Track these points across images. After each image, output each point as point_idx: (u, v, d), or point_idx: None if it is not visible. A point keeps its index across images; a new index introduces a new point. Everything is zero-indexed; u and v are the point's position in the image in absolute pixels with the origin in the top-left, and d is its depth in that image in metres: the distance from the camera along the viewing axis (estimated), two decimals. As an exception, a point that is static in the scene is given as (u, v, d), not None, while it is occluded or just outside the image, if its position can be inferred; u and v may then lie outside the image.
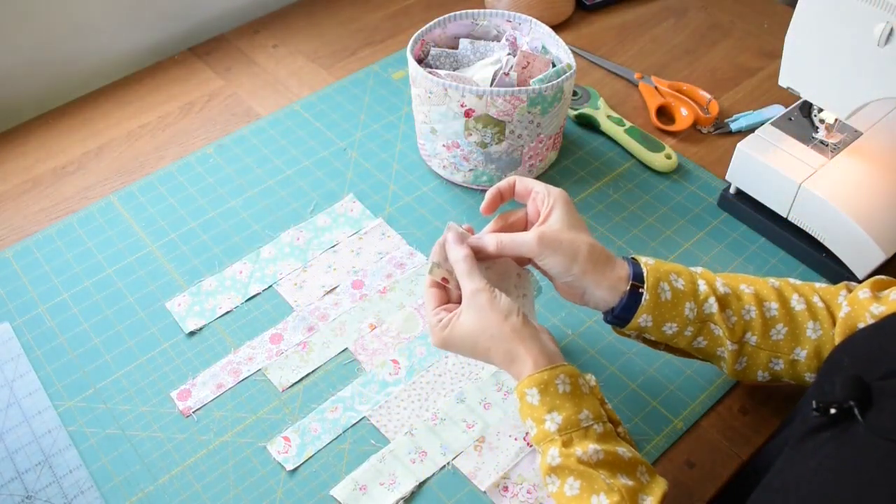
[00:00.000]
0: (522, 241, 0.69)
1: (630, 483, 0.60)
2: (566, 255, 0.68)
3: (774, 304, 0.70)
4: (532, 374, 0.64)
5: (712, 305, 0.69)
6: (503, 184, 0.74)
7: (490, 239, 0.70)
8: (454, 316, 0.68)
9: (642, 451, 0.75)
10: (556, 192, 0.72)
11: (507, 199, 0.74)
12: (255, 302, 0.87)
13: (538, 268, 0.73)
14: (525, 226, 0.74)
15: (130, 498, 0.73)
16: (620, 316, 0.70)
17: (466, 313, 0.67)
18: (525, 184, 0.73)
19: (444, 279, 0.71)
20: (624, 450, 0.62)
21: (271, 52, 1.19)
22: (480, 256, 0.71)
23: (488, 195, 0.73)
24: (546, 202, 0.71)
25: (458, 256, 0.69)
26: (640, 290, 0.68)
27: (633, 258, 0.71)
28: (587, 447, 0.61)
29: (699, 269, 0.73)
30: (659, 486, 0.61)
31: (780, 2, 1.28)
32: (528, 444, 0.75)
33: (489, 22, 0.99)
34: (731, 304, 0.70)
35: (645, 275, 0.69)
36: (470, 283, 0.67)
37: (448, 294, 0.72)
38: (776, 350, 0.70)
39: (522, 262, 0.75)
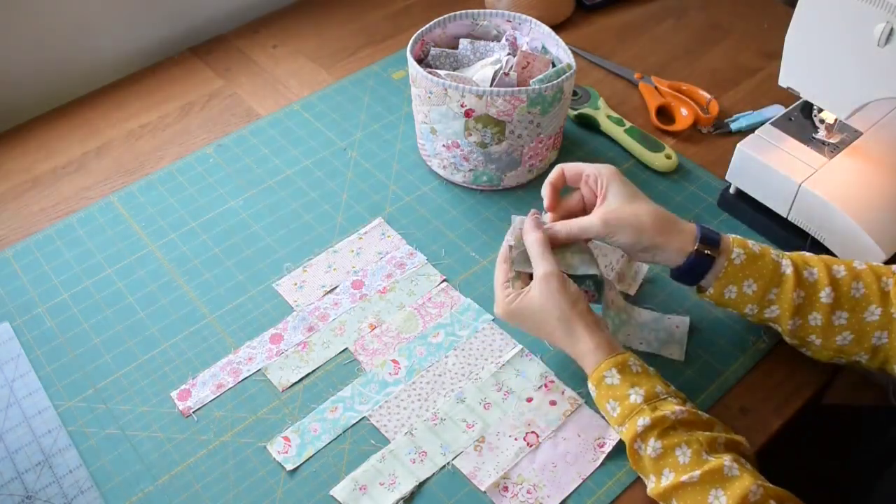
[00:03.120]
0: (589, 225, 0.74)
1: (707, 433, 0.66)
2: (632, 230, 0.73)
3: (845, 314, 0.73)
4: (607, 358, 0.70)
5: (774, 311, 0.74)
6: (553, 176, 0.79)
7: (560, 227, 0.76)
8: (523, 293, 0.73)
9: (642, 451, 0.75)
10: (605, 170, 0.76)
11: (560, 187, 0.79)
12: (255, 302, 0.87)
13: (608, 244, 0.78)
14: (583, 205, 0.79)
15: (130, 498, 0.73)
16: (686, 277, 0.75)
17: (536, 292, 0.72)
18: (574, 169, 0.78)
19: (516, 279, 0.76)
20: (700, 412, 0.69)
21: (271, 52, 1.19)
22: (555, 243, 0.76)
23: (546, 193, 0.79)
24: (600, 182, 0.76)
25: (532, 240, 0.75)
26: (707, 252, 0.73)
27: (718, 237, 0.75)
28: (673, 408, 0.67)
29: (789, 270, 0.74)
30: (739, 441, 0.68)
31: (780, 2, 1.28)
32: (528, 443, 0.75)
33: (489, 22, 0.99)
34: (802, 311, 0.73)
35: (720, 273, 0.73)
36: (543, 265, 0.72)
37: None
38: (840, 352, 0.74)
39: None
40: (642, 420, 0.67)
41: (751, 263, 0.73)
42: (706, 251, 0.73)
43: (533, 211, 0.77)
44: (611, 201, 0.75)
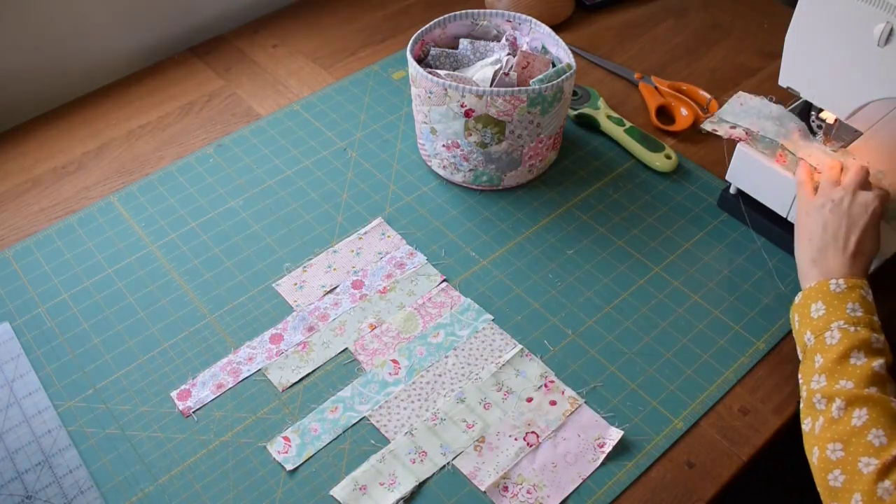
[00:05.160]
0: None
1: None
2: None
3: None
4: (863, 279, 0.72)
5: None
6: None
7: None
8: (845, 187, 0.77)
9: (642, 451, 0.75)
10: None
11: None
12: (255, 302, 0.87)
13: None
14: None
15: (130, 498, 0.73)
16: None
17: (867, 199, 0.76)
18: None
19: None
20: None
21: (271, 52, 1.19)
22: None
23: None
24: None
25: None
26: None
27: None
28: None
29: None
30: None
31: (779, 2, 1.28)
32: (528, 443, 0.75)
33: (489, 22, 0.99)
34: None
35: None
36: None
37: None
38: None
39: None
40: (876, 337, 0.67)
41: None
42: None
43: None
44: None
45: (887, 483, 0.59)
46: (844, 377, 0.65)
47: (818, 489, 0.64)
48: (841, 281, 0.72)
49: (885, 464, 0.59)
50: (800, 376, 0.71)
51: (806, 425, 0.67)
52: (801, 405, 0.68)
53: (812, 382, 0.67)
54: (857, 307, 0.69)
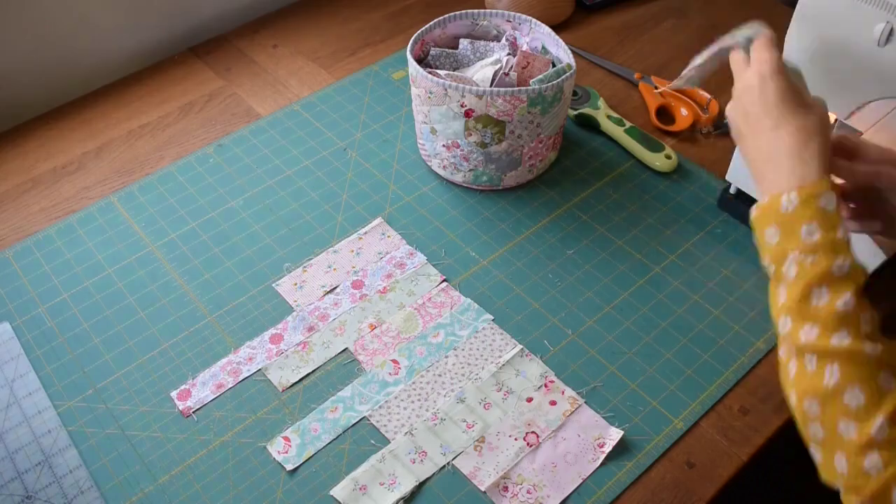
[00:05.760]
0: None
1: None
2: None
3: None
4: (829, 182, 0.61)
5: None
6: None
7: (874, 147, 0.68)
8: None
9: (642, 451, 0.75)
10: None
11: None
12: (255, 302, 0.87)
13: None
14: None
15: (130, 498, 0.73)
16: None
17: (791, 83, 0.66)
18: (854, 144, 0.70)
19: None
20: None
21: (271, 52, 1.19)
22: (847, 152, 0.69)
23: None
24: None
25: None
26: None
27: None
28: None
29: None
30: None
31: (780, 2, 1.28)
32: (528, 443, 0.75)
33: (489, 22, 0.99)
34: None
35: None
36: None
37: None
38: None
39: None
40: (841, 260, 0.59)
41: None
42: None
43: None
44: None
45: (875, 458, 0.55)
46: (809, 321, 0.59)
47: (797, 425, 0.61)
48: (793, 195, 0.61)
49: (869, 435, 0.55)
50: (769, 298, 0.64)
51: (782, 353, 0.62)
52: (775, 328, 0.63)
53: (779, 323, 0.62)
54: (815, 228, 0.59)
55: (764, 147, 0.65)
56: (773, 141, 0.64)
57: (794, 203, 0.61)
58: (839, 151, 0.69)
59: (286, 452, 0.75)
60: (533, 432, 0.76)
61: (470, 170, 0.95)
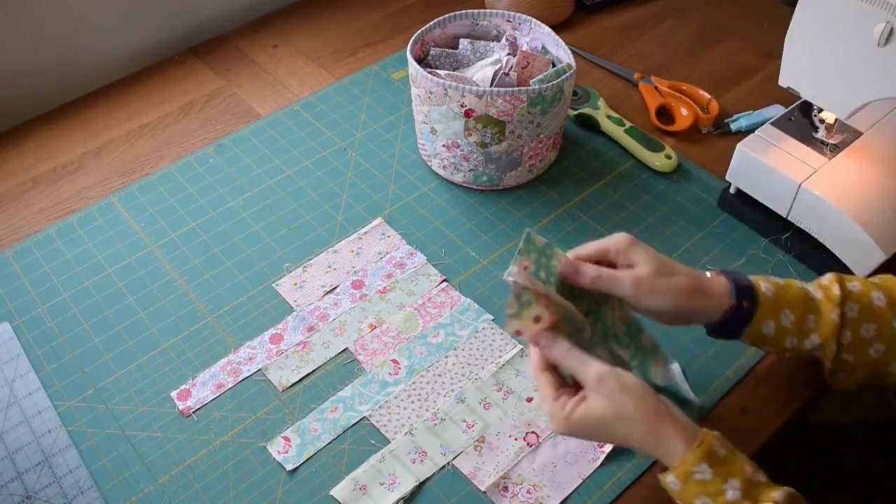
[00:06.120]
0: (621, 281, 0.67)
1: None
2: (665, 297, 0.68)
3: (872, 326, 0.70)
4: (692, 448, 0.61)
5: (814, 341, 0.70)
6: (574, 266, 0.68)
7: (589, 270, 0.68)
8: (579, 401, 0.64)
9: (642, 452, 0.75)
10: (621, 240, 0.70)
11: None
12: (255, 302, 0.87)
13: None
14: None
15: (130, 498, 0.73)
16: (723, 334, 0.71)
17: (595, 400, 0.63)
18: (591, 250, 0.70)
19: (517, 332, 0.64)
20: (794, 491, 0.61)
21: (271, 52, 1.19)
22: (569, 280, 0.68)
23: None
24: (619, 254, 0.69)
25: (563, 352, 0.65)
26: (744, 305, 0.68)
27: (750, 284, 0.70)
28: (773, 496, 0.60)
29: (818, 294, 0.71)
30: None
31: (780, 2, 1.28)
32: (528, 443, 0.75)
33: (489, 22, 0.99)
34: (838, 332, 0.70)
35: (757, 315, 0.69)
36: (590, 368, 0.64)
37: (557, 372, 0.68)
38: (875, 366, 0.71)
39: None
40: None
41: (782, 293, 0.70)
42: (744, 304, 0.69)
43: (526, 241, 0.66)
44: (640, 269, 0.68)
45: None
46: None
47: None
48: (671, 477, 0.62)
49: None
50: None
51: None
52: None
53: None
54: (709, 502, 0.61)
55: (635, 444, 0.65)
56: (628, 441, 0.64)
57: (677, 487, 0.62)
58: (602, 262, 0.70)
59: (286, 452, 0.75)
60: (533, 432, 0.76)
61: (470, 170, 0.95)
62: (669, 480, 0.62)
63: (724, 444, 0.63)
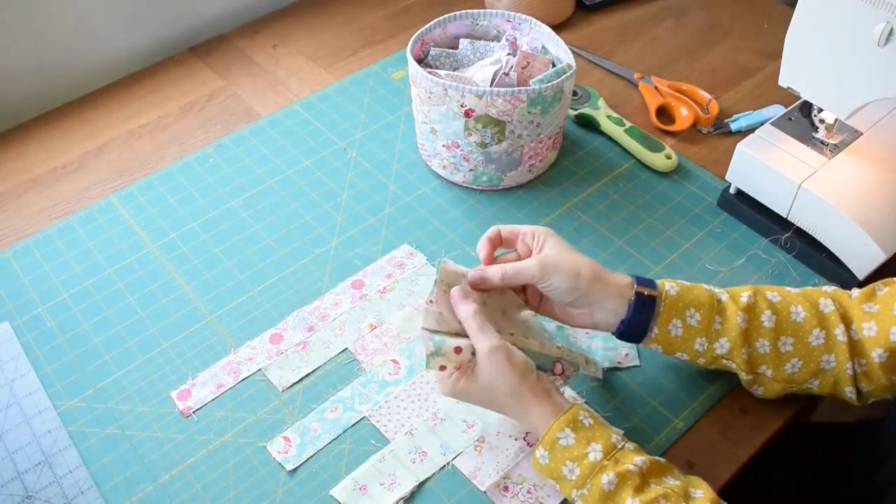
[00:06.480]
0: (526, 267, 0.71)
1: (676, 482, 0.63)
2: (569, 274, 0.71)
3: (791, 339, 0.72)
4: (557, 418, 0.66)
5: (724, 345, 0.71)
6: (490, 232, 0.76)
7: (494, 271, 0.72)
8: (467, 370, 0.69)
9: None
10: (542, 228, 0.75)
11: (497, 245, 0.77)
12: (255, 302, 0.87)
13: (542, 293, 0.74)
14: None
15: (130, 498, 0.73)
16: (632, 327, 0.72)
17: (483, 369, 0.68)
18: (510, 229, 0.76)
19: (441, 367, 0.70)
20: (655, 457, 0.65)
21: (271, 52, 1.19)
22: (481, 288, 0.73)
23: (482, 248, 0.76)
24: (536, 237, 0.74)
25: (468, 313, 0.70)
26: (646, 293, 0.71)
27: (654, 281, 0.73)
28: (634, 458, 0.63)
29: (724, 296, 0.73)
30: (698, 480, 0.64)
31: (780, 2, 1.28)
32: (528, 443, 0.75)
33: (489, 22, 0.99)
34: (749, 337, 0.71)
35: (660, 310, 0.71)
36: (485, 339, 0.68)
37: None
38: (791, 381, 0.73)
39: (518, 291, 0.77)
40: (606, 477, 0.63)
41: (687, 293, 0.72)
42: (645, 292, 0.71)
43: (445, 264, 0.73)
44: (548, 250, 0.73)
45: None
46: None
47: None
48: (541, 451, 0.67)
49: None
50: None
51: None
52: None
53: None
54: (574, 467, 0.65)
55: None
56: (504, 411, 0.70)
57: (545, 459, 0.66)
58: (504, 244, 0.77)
59: (286, 452, 0.75)
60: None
61: (470, 170, 0.95)
62: (539, 455, 0.67)
63: (591, 415, 0.67)
